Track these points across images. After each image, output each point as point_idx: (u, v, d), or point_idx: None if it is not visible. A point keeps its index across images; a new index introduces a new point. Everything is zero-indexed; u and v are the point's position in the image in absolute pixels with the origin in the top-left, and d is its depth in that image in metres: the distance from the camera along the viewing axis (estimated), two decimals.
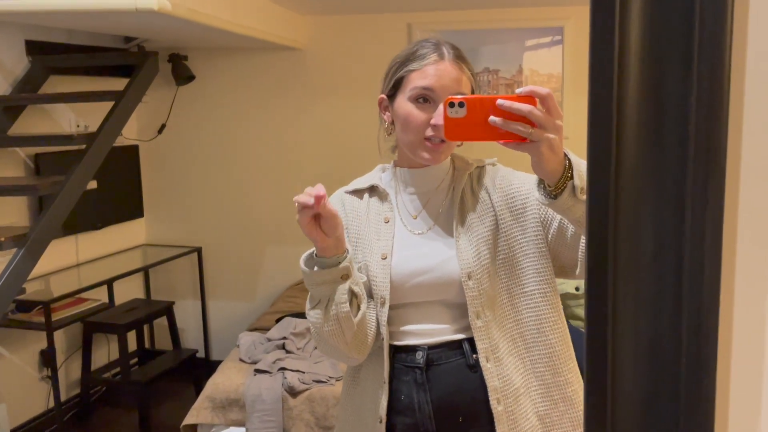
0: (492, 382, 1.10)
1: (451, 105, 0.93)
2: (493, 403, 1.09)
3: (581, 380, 1.15)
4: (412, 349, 1.13)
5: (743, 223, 0.49)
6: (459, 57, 1.13)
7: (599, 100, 0.50)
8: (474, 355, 1.11)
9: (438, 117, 1.08)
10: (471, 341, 1.12)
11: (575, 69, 3.39)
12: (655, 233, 0.50)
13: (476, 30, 3.41)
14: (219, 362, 2.99)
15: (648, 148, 0.50)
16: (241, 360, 2.82)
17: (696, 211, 0.49)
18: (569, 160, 0.94)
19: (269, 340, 2.93)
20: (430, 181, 1.19)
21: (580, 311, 2.56)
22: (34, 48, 2.93)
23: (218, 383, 2.63)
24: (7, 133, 2.81)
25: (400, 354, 1.14)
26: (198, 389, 3.44)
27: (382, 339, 1.14)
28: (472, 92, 1.15)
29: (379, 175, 1.25)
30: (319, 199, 0.98)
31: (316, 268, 1.06)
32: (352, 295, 1.08)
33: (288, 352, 2.80)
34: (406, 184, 1.20)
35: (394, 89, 1.15)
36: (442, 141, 1.11)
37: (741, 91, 0.48)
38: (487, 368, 1.10)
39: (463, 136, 0.96)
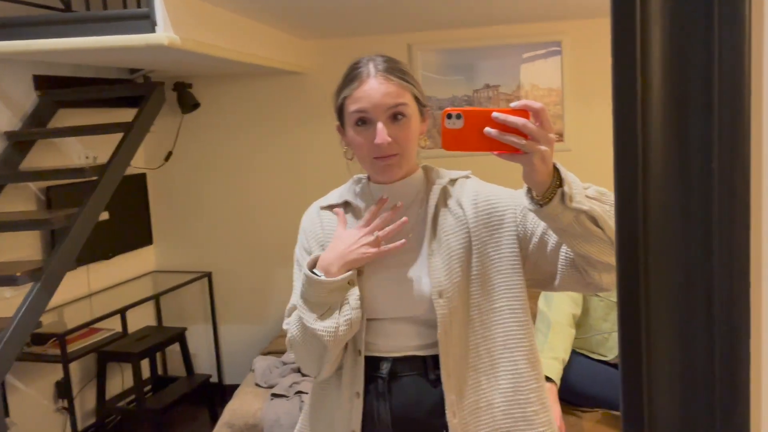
0: (450, 396, 1.11)
1: (449, 116, 0.97)
2: (448, 415, 1.11)
3: (544, 402, 1.16)
4: (378, 360, 1.15)
5: None
6: (388, 69, 1.14)
7: (625, 144, 0.53)
8: (437, 370, 1.13)
9: (379, 135, 1.10)
10: (435, 357, 1.13)
11: (575, 82, 3.43)
12: (684, 267, 0.53)
13: (475, 48, 3.46)
14: (233, 386, 3.00)
15: (673, 186, 0.52)
16: (257, 384, 2.83)
17: (723, 244, 0.51)
18: (557, 170, 0.98)
19: (284, 363, 2.94)
20: (401, 195, 1.19)
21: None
22: (41, 82, 2.97)
23: (236, 409, 2.64)
24: (19, 168, 2.85)
25: (365, 365, 1.16)
26: (213, 414, 3.45)
27: (358, 352, 1.16)
28: (416, 99, 1.16)
29: (353, 189, 1.25)
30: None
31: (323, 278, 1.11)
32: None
33: (304, 375, 2.82)
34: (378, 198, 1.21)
35: (340, 118, 1.20)
36: (394, 155, 1.13)
37: (760, 130, 0.51)
38: (448, 383, 1.11)
39: (460, 147, 0.98)
